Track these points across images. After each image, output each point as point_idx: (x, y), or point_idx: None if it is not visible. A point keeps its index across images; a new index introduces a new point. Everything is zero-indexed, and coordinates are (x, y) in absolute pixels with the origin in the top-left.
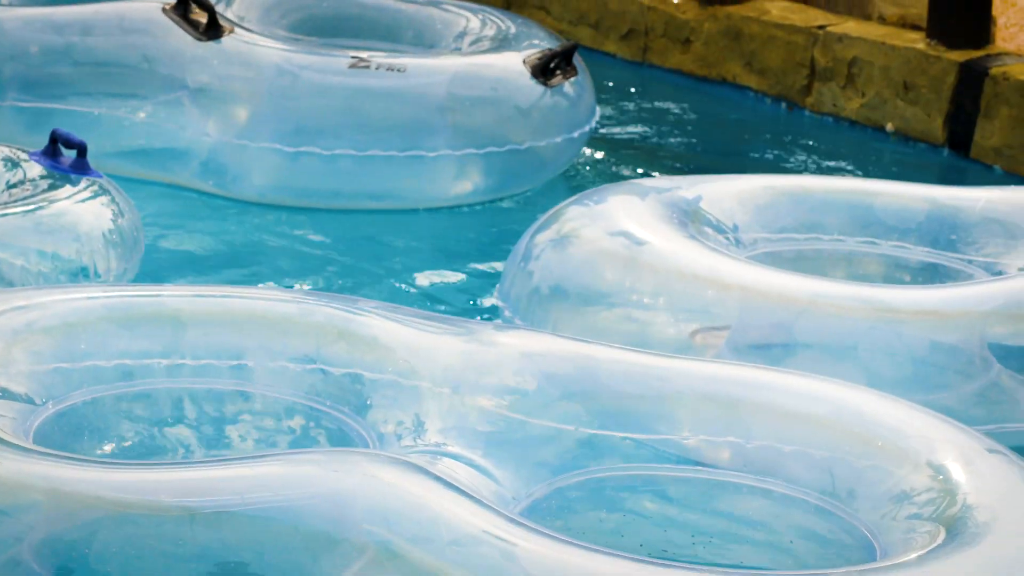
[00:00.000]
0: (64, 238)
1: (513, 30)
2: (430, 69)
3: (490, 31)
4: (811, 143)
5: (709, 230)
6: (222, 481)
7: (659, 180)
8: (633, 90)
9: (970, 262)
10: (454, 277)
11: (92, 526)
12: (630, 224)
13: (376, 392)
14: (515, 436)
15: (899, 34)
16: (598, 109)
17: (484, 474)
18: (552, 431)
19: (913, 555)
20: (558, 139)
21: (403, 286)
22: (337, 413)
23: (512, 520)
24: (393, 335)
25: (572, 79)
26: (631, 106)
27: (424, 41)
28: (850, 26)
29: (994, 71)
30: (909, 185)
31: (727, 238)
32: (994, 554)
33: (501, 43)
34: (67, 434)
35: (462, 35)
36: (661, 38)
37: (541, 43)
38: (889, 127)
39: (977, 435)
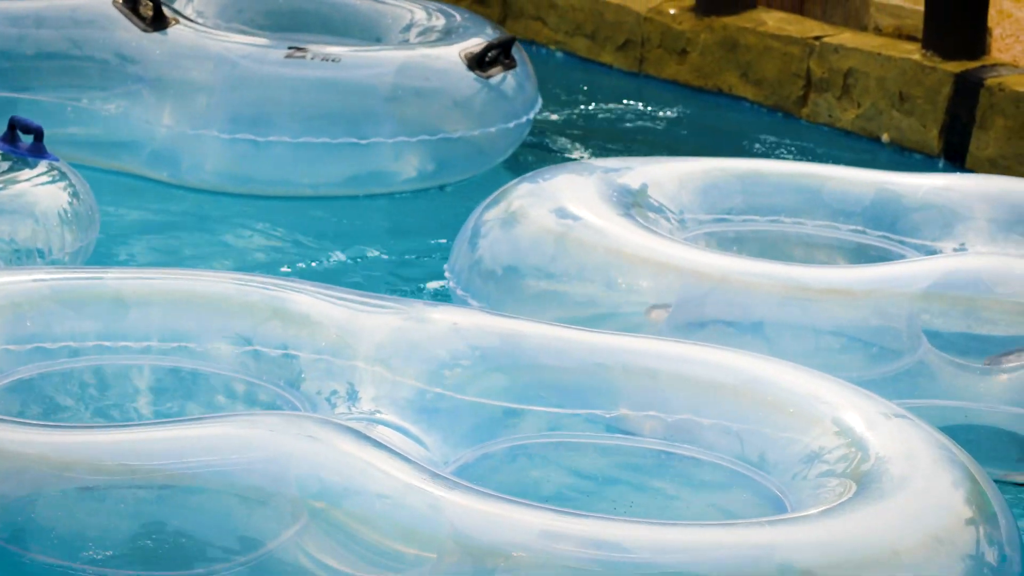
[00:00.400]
0: (22, 218)
1: (458, 24)
2: (366, 60)
3: (436, 24)
4: (807, 153)
5: (650, 212)
6: (162, 441)
7: (607, 161)
8: (629, 101)
9: (902, 243)
10: (403, 258)
11: (35, 484)
12: (572, 204)
13: (310, 367)
14: (444, 406)
15: (895, 45)
16: (540, 100)
17: (414, 440)
18: (479, 401)
19: (819, 509)
20: (493, 129)
21: (353, 269)
22: (273, 387)
23: (439, 476)
24: (326, 313)
25: (510, 71)
26: (628, 116)
27: (373, 34)
28: (846, 37)
29: (989, 82)
30: (855, 170)
31: (667, 219)
32: (898, 507)
33: (445, 36)
34: (12, 407)
35: (408, 28)
36: (657, 49)
37: (485, 36)
38: (885, 138)
39: (882, 400)
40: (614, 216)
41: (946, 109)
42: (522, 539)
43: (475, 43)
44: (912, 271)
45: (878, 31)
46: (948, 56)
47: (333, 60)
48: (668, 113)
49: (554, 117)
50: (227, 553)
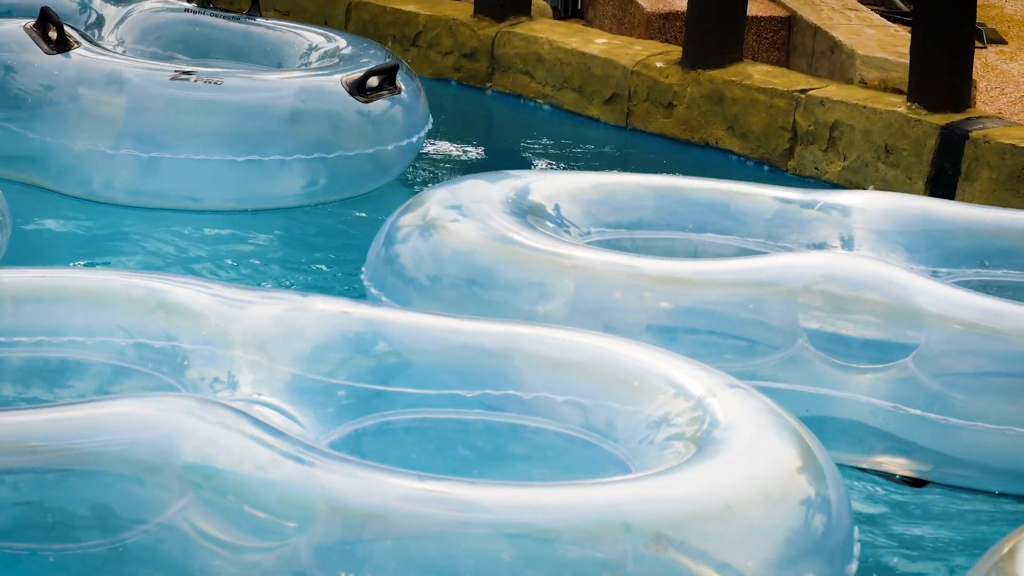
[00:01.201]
0: None
1: (354, 52)
2: (248, 85)
3: (334, 51)
4: None
5: (546, 220)
6: (53, 421)
7: (513, 172)
8: (616, 154)
9: (774, 247)
10: (315, 266)
11: None
12: (476, 212)
13: (192, 355)
14: (317, 388)
15: (880, 97)
16: (430, 121)
17: (290, 419)
18: (349, 383)
19: (660, 469)
20: (370, 150)
21: (266, 277)
22: (158, 375)
23: (312, 447)
24: (206, 304)
25: (395, 95)
26: (614, 170)
27: (275, 60)
28: (832, 90)
29: (975, 134)
30: (752, 185)
31: (559, 227)
32: (731, 465)
33: (340, 62)
34: None
35: (308, 54)
36: (644, 102)
37: (377, 62)
38: (871, 190)
39: (720, 373)
40: (514, 224)
41: (932, 161)
42: (389, 500)
43: (358, 70)
44: (739, 265)
45: (863, 84)
46: (933, 108)
47: (216, 83)
48: (655, 166)
49: (541, 165)
50: (118, 526)
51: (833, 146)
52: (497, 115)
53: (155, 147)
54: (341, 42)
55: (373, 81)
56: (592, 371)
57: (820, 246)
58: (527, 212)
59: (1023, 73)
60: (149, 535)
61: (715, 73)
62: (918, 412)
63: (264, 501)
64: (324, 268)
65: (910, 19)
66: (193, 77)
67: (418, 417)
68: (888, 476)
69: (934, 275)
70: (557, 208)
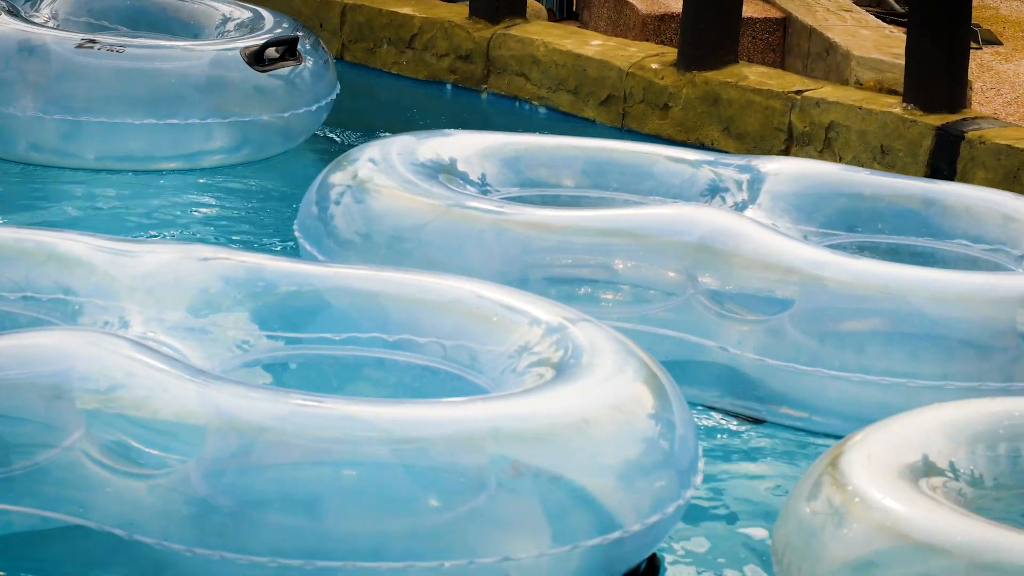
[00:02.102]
0: None
1: (265, 23)
2: (151, 54)
3: (246, 23)
4: None
5: (459, 178)
6: None
7: (445, 131)
8: None
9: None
10: (244, 224)
11: None
12: (395, 170)
13: (84, 304)
14: (201, 328)
15: (876, 99)
16: (337, 88)
17: (181, 356)
18: (232, 323)
19: (519, 390)
20: (266, 116)
21: (196, 235)
22: (52, 320)
23: (204, 372)
24: (97, 255)
25: (296, 66)
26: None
27: (192, 31)
28: (827, 91)
29: (970, 135)
30: (677, 149)
31: (470, 185)
32: (586, 385)
33: (249, 33)
34: None
35: (224, 24)
36: (640, 104)
37: (279, 35)
38: None
39: (569, 308)
40: (426, 183)
41: (927, 162)
42: (279, 414)
43: (257, 41)
44: (602, 214)
45: (859, 85)
46: (929, 109)
47: (118, 50)
48: None
49: None
50: (24, 451)
51: (829, 147)
52: (493, 118)
53: (61, 111)
54: (257, 16)
55: (273, 52)
56: (453, 310)
57: (723, 204)
58: (441, 170)
59: (1019, 74)
60: (51, 461)
61: (711, 74)
62: (760, 358)
63: (163, 418)
64: (251, 226)
65: (905, 20)
66: (97, 45)
67: (295, 353)
68: (731, 414)
69: (819, 235)
70: (472, 166)
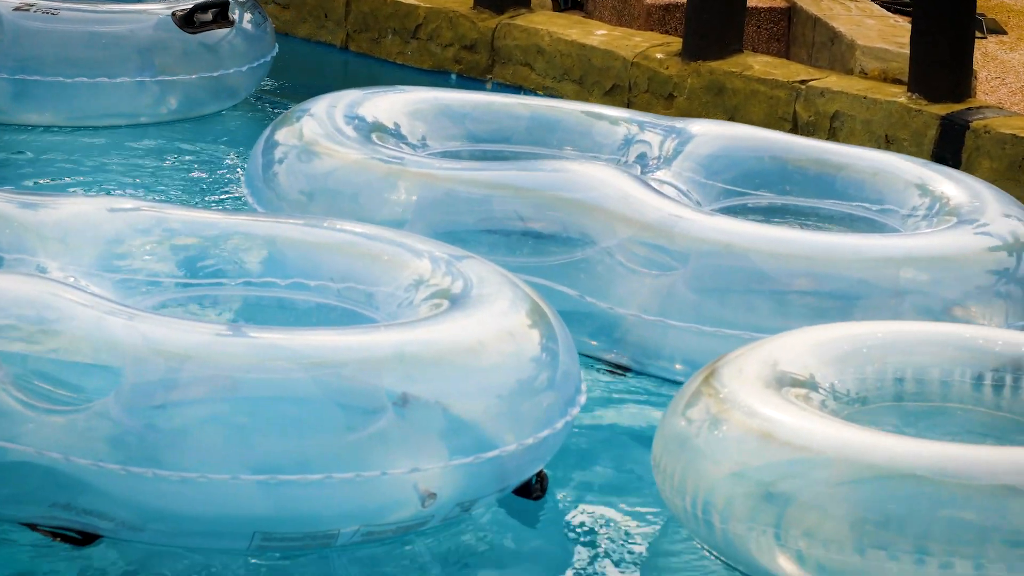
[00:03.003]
0: None
1: None
2: (78, 15)
3: None
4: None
5: (389, 136)
6: None
7: (382, 88)
8: None
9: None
10: (194, 179)
11: None
12: (324, 128)
13: (3, 256)
14: (116, 267)
15: (880, 88)
16: (275, 48)
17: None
18: (140, 268)
19: (413, 319)
20: (192, 76)
21: (147, 189)
22: None
23: (128, 306)
24: (11, 208)
25: (224, 29)
26: None
27: None
28: (832, 80)
29: (975, 124)
30: (608, 108)
31: (402, 142)
32: (481, 313)
33: None
34: None
35: None
36: (645, 93)
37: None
38: None
39: (454, 248)
40: (359, 139)
41: (932, 151)
42: (202, 342)
43: (188, 4)
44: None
45: (864, 74)
46: (934, 99)
47: (52, 13)
48: None
49: None
50: None
51: (834, 136)
52: None
53: (28, 71)
54: None
55: (205, 15)
56: (349, 252)
57: (640, 162)
58: (375, 128)
59: (1023, 63)
60: None
61: (715, 64)
62: (635, 313)
63: (94, 348)
64: (195, 183)
65: (910, 9)
66: (34, 8)
67: (198, 295)
68: (603, 363)
69: (727, 194)
70: (409, 123)
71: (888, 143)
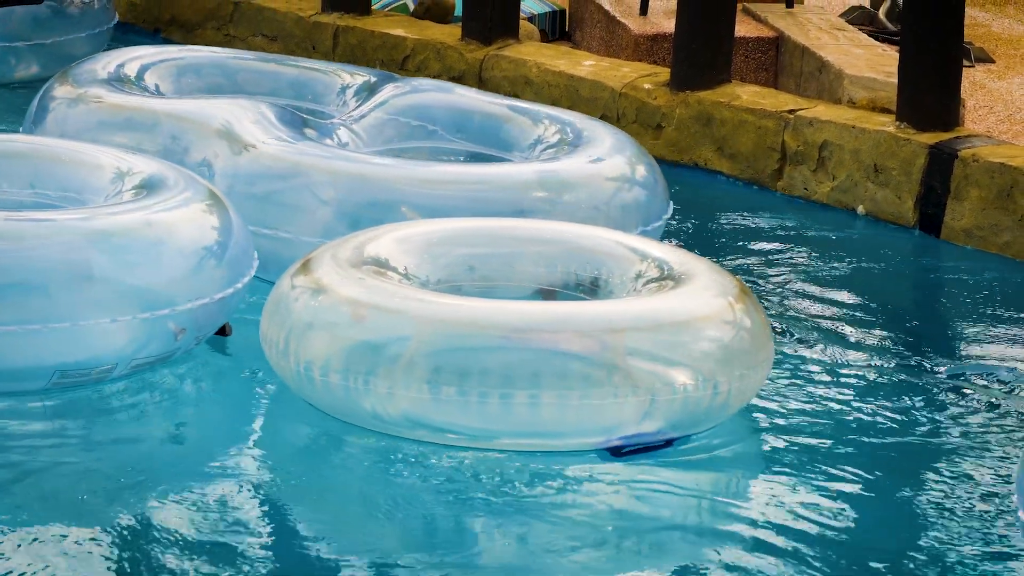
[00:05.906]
0: None
1: None
2: None
3: None
4: (783, 226)
5: (136, 85)
6: None
7: (133, 48)
8: None
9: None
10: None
11: None
12: (90, 80)
13: None
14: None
15: (869, 117)
16: (115, 18)
17: None
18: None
19: (118, 208)
20: (49, 40)
21: None
22: None
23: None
24: None
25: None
26: None
27: None
28: (820, 110)
29: (963, 153)
30: (315, 61)
31: (148, 90)
32: (166, 202)
33: None
34: None
35: None
36: (633, 124)
37: None
38: (860, 209)
39: (139, 154)
40: (111, 87)
41: (921, 180)
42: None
43: None
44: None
45: (852, 104)
46: (922, 128)
47: None
48: None
49: None
50: None
51: (822, 166)
52: None
53: None
54: None
55: None
56: (69, 163)
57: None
58: (126, 80)
59: (1011, 92)
60: None
61: (703, 94)
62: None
63: None
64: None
65: (898, 39)
66: None
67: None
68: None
69: (399, 138)
70: (154, 75)
71: (877, 172)
